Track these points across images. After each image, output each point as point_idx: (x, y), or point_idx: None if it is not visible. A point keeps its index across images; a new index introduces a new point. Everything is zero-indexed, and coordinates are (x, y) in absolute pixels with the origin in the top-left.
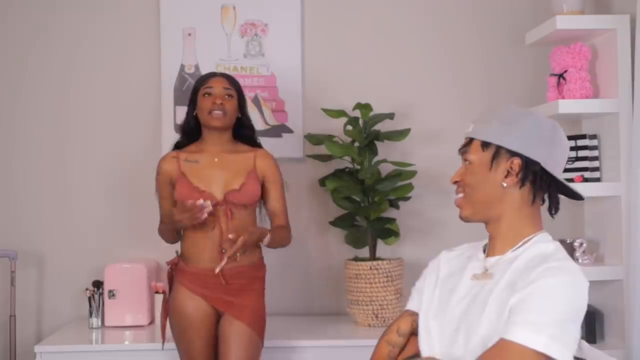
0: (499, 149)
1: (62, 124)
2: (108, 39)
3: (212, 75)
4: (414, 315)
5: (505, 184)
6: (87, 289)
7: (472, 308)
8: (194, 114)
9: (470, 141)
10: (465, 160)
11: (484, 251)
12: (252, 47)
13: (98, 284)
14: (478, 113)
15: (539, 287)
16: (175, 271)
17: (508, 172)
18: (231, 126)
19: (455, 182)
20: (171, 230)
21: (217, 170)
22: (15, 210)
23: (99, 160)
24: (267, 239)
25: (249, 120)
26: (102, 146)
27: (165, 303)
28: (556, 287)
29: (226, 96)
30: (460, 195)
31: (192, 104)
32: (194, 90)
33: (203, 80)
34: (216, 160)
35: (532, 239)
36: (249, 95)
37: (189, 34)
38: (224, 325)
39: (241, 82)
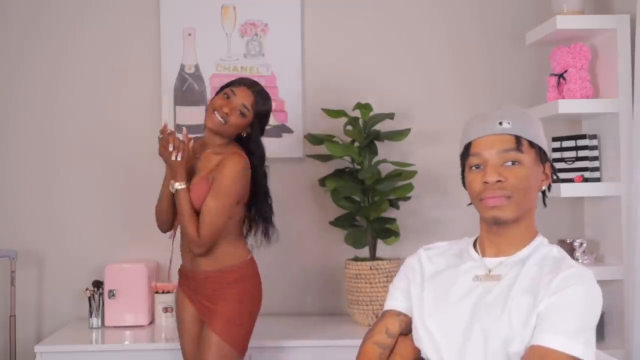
0: (540, 151)
1: (62, 124)
2: (108, 39)
3: (247, 84)
4: (401, 315)
5: (544, 188)
6: (87, 289)
7: (484, 309)
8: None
9: (517, 139)
10: (514, 160)
11: (475, 250)
12: (252, 47)
13: (98, 284)
14: (493, 108)
15: (569, 295)
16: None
17: (545, 176)
18: (227, 136)
19: (498, 182)
20: (164, 198)
21: (195, 168)
22: (15, 210)
23: (99, 160)
24: (176, 187)
25: (255, 145)
26: (102, 146)
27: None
28: (585, 295)
29: (239, 112)
30: (504, 196)
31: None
32: (226, 84)
33: (237, 81)
34: (198, 157)
35: (534, 242)
36: None
37: (189, 34)
38: (203, 329)
39: None
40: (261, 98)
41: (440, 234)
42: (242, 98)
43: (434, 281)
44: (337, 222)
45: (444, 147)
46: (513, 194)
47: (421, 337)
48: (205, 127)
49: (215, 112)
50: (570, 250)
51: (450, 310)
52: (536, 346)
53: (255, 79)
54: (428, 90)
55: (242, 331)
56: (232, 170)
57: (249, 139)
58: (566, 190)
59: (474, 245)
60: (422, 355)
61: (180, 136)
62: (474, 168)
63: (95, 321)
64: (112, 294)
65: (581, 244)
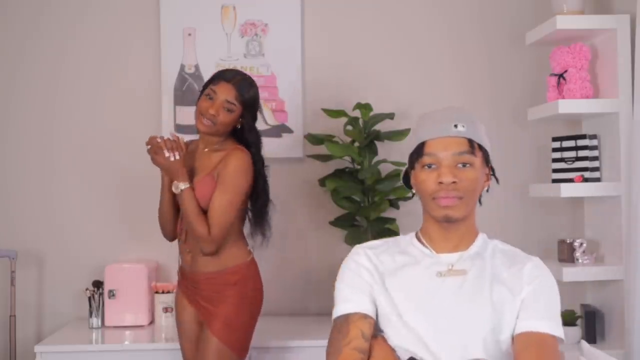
0: (486, 153)
1: (62, 124)
2: (108, 39)
3: (226, 78)
4: (369, 317)
5: (486, 189)
6: (87, 289)
7: (464, 302)
8: None
9: (470, 142)
10: (465, 163)
11: (424, 246)
12: (252, 47)
13: (98, 284)
14: (453, 110)
15: (543, 284)
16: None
17: (486, 177)
18: (220, 135)
19: (453, 183)
20: (164, 203)
21: (193, 167)
22: (15, 210)
23: (99, 160)
24: (180, 187)
25: (250, 134)
26: (102, 146)
27: None
28: (553, 283)
29: (225, 109)
30: (456, 197)
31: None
32: (208, 81)
33: (216, 77)
34: (196, 155)
35: (480, 237)
36: None
37: (189, 34)
38: (202, 330)
39: None
40: (244, 87)
41: None
42: (224, 94)
43: (394, 279)
44: (337, 222)
45: None
46: (465, 195)
47: (403, 336)
48: (198, 130)
49: (202, 116)
50: (570, 250)
51: (428, 306)
52: (529, 332)
53: (255, 79)
54: (428, 90)
55: (242, 334)
56: (236, 165)
57: (243, 129)
58: (566, 190)
59: (419, 242)
60: (404, 353)
61: (169, 137)
62: (426, 167)
63: (95, 321)
64: (112, 294)
65: (581, 244)
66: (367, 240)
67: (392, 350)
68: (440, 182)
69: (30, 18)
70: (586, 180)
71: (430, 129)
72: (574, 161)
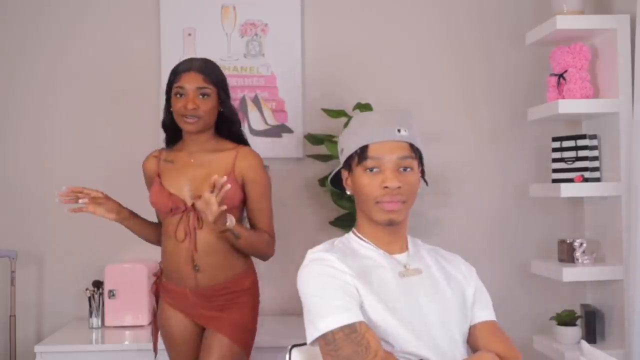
0: (421, 155)
1: (63, 124)
2: (108, 39)
3: (186, 68)
4: (367, 324)
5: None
6: (87, 289)
7: (438, 301)
8: (170, 109)
9: (411, 147)
10: (407, 167)
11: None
12: (252, 47)
13: (98, 284)
14: (394, 113)
15: (477, 277)
16: (159, 284)
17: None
18: (210, 126)
19: (398, 187)
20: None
21: (191, 172)
22: (15, 210)
23: (99, 160)
24: (233, 223)
25: (231, 113)
26: (102, 146)
27: (154, 316)
28: None
29: (200, 96)
30: (400, 201)
31: (168, 99)
32: (169, 82)
33: (175, 74)
34: (192, 160)
35: (409, 237)
36: (248, 95)
37: (189, 34)
38: (206, 336)
39: (241, 82)
40: (206, 69)
41: (440, 234)
42: (192, 83)
43: (368, 281)
44: (337, 222)
45: (443, 147)
46: (408, 199)
47: (404, 339)
48: (184, 134)
49: (184, 117)
50: (570, 250)
51: (411, 306)
52: (488, 321)
53: (255, 79)
54: (428, 90)
55: (252, 333)
56: (258, 165)
57: (224, 109)
58: (566, 190)
59: (367, 243)
60: (409, 357)
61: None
62: (368, 171)
63: (95, 321)
64: (112, 294)
65: (581, 244)
66: None
67: (393, 355)
68: (386, 187)
69: (30, 18)
70: (586, 180)
71: (374, 132)
72: (574, 161)
